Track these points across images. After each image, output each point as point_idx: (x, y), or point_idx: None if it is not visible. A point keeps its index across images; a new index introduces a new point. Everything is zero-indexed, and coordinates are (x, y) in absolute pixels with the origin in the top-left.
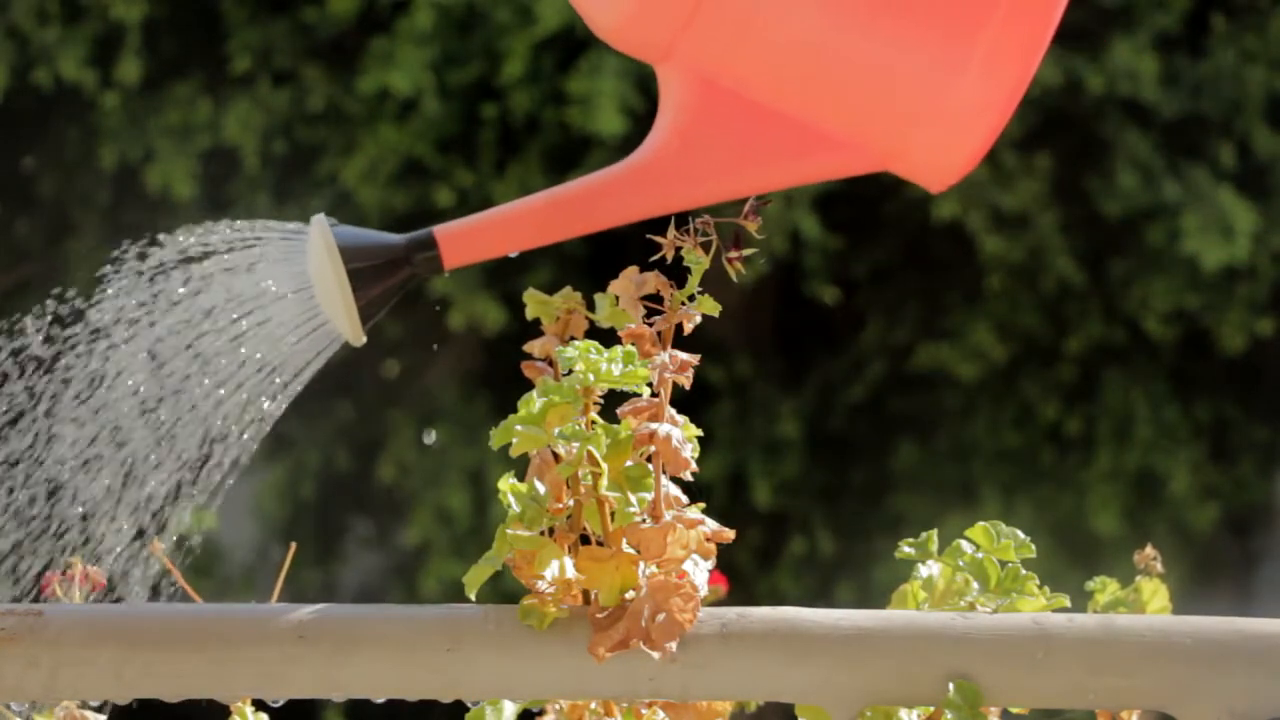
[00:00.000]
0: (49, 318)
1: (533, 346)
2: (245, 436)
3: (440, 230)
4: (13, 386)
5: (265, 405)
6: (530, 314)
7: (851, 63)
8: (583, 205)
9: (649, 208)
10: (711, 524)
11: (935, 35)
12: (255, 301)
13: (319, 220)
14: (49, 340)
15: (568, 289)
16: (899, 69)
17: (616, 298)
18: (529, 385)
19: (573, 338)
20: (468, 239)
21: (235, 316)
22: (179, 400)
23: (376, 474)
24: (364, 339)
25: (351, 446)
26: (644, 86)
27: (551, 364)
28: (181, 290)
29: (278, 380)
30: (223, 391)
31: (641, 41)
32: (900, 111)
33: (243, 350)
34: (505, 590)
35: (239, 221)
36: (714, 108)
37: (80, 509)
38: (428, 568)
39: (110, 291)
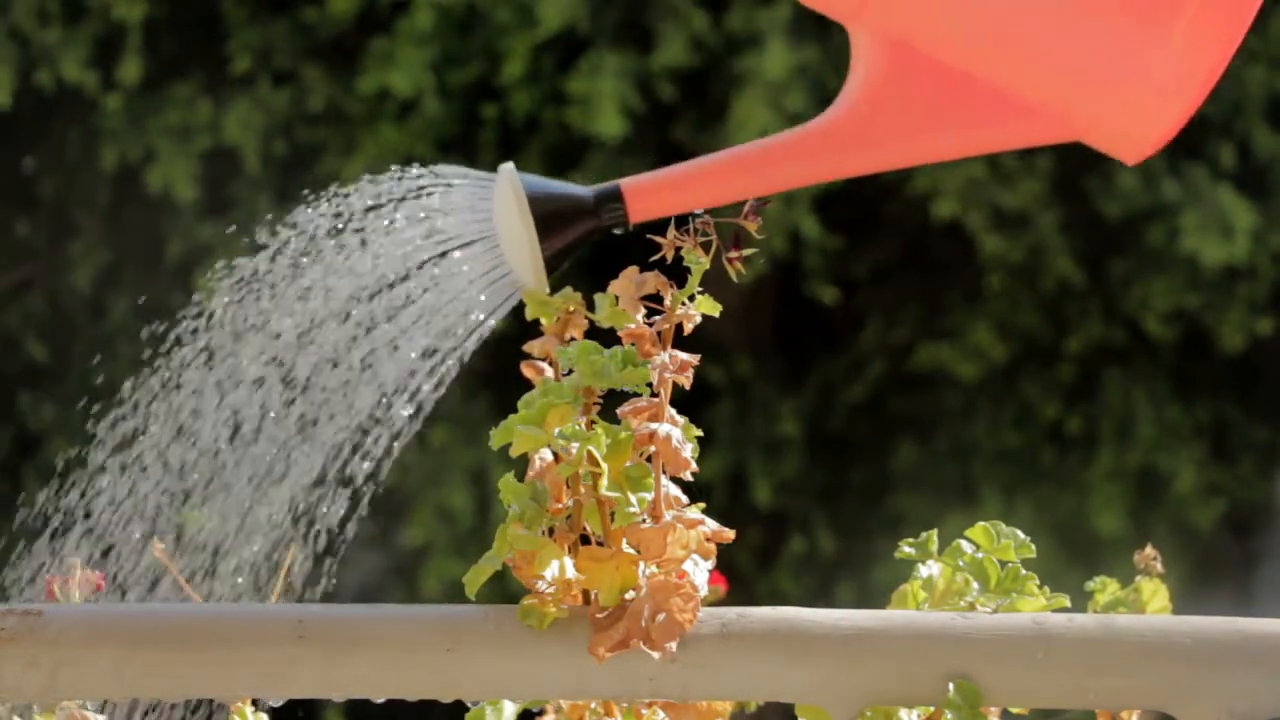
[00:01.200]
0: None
1: (532, 346)
2: (425, 388)
3: (626, 184)
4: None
5: (444, 357)
6: (530, 314)
7: (1049, 27)
8: (769, 165)
9: (835, 169)
10: (711, 524)
11: (1139, 3)
12: (439, 249)
13: (507, 169)
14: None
15: (567, 289)
16: (1100, 35)
17: (616, 298)
18: (530, 385)
19: (572, 338)
20: (653, 193)
21: (419, 263)
22: (361, 349)
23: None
24: (548, 290)
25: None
26: (644, 86)
27: (551, 364)
28: (367, 238)
29: (458, 331)
30: (401, 342)
31: (832, 3)
32: (1099, 80)
33: (426, 298)
34: (507, 590)
35: (430, 167)
36: (904, 70)
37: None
38: (429, 568)
39: (301, 232)
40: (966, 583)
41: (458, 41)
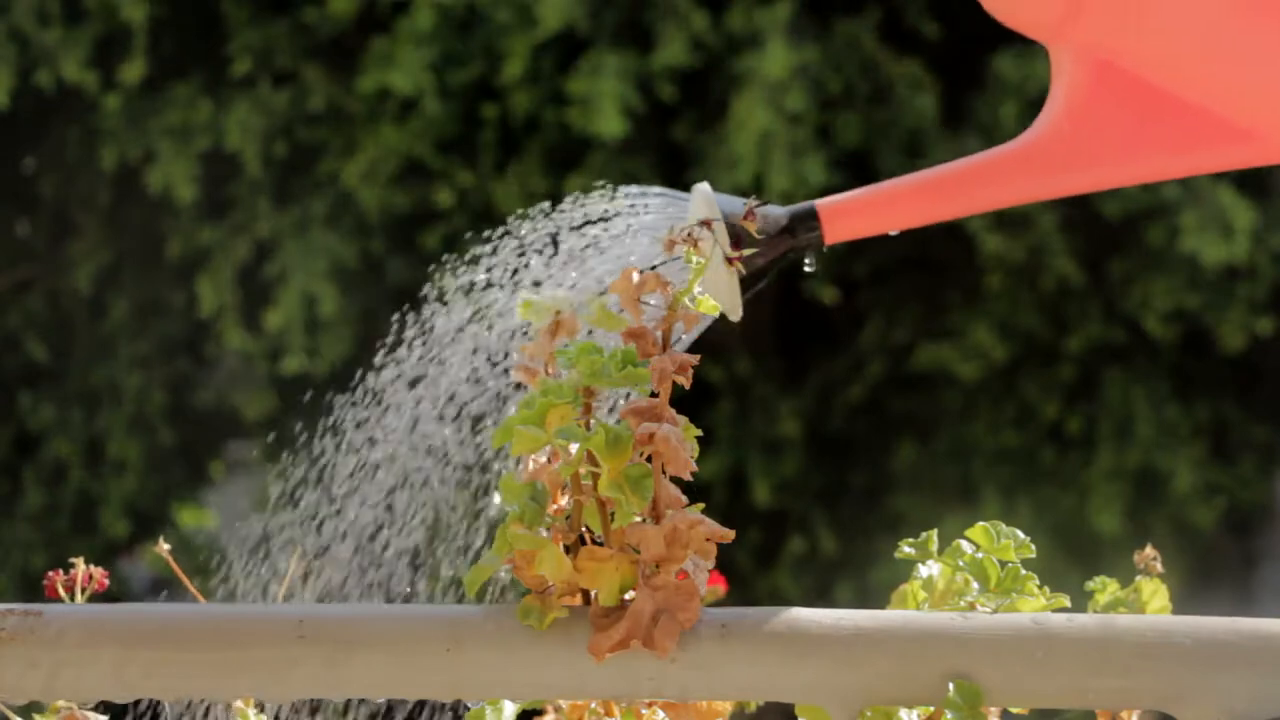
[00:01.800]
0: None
1: (525, 349)
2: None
3: (822, 204)
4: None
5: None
6: (520, 316)
7: (1263, 48)
8: (968, 187)
9: (1036, 191)
10: (711, 524)
11: None
12: (635, 262)
13: (703, 188)
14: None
15: (559, 291)
16: None
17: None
18: None
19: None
20: (849, 214)
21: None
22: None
23: None
24: (741, 312)
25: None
26: (644, 86)
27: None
28: (566, 257)
29: None
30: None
31: (1034, 21)
32: None
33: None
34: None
35: (626, 188)
36: (1109, 89)
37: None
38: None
39: (509, 251)
40: (966, 583)
41: (458, 42)
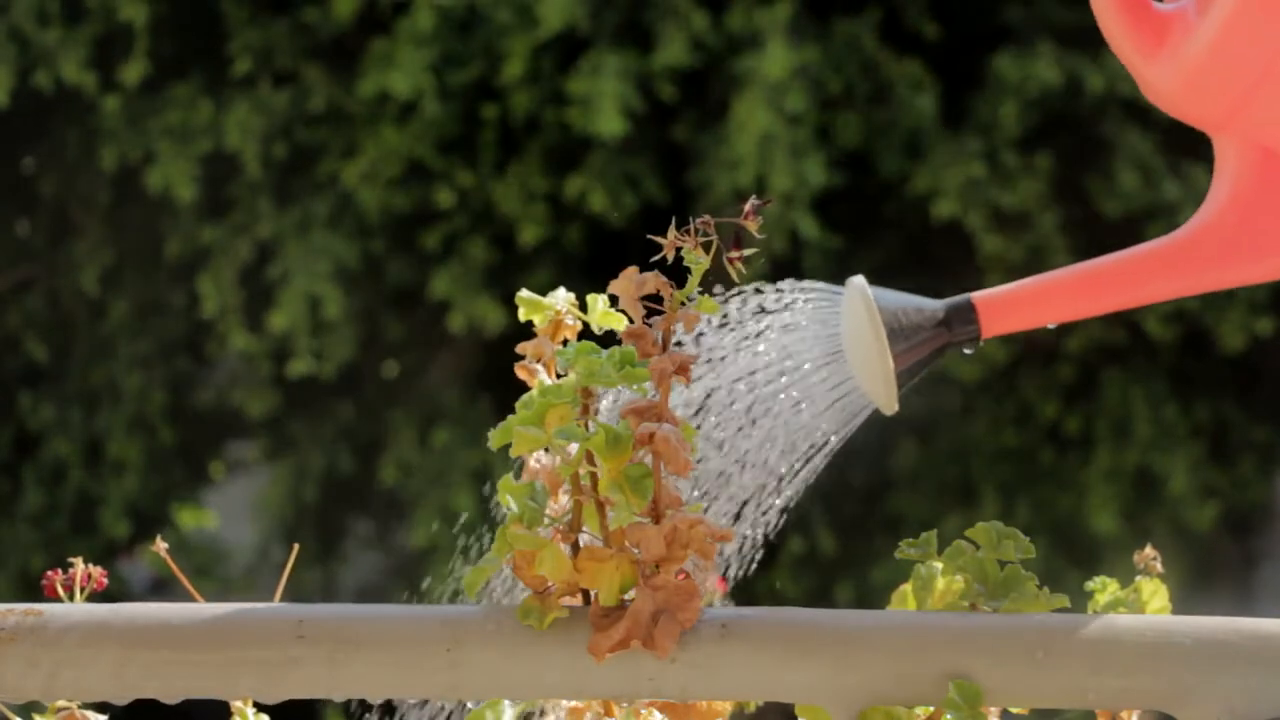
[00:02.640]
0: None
1: (525, 348)
2: (768, 499)
3: (979, 298)
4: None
5: (792, 469)
6: (523, 316)
7: None
8: (1134, 281)
9: (1200, 284)
10: (711, 524)
11: None
12: (788, 362)
13: (858, 283)
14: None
15: (560, 290)
16: None
17: (608, 299)
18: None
19: (565, 340)
20: (1008, 308)
21: (770, 378)
22: (718, 456)
23: (379, 475)
24: (897, 408)
25: (354, 448)
26: (644, 87)
27: (545, 365)
28: (729, 349)
29: (804, 445)
30: (753, 453)
31: (1201, 114)
32: None
33: (775, 410)
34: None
35: (783, 282)
36: (1276, 181)
37: None
38: (433, 569)
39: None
40: (967, 583)
41: (458, 42)
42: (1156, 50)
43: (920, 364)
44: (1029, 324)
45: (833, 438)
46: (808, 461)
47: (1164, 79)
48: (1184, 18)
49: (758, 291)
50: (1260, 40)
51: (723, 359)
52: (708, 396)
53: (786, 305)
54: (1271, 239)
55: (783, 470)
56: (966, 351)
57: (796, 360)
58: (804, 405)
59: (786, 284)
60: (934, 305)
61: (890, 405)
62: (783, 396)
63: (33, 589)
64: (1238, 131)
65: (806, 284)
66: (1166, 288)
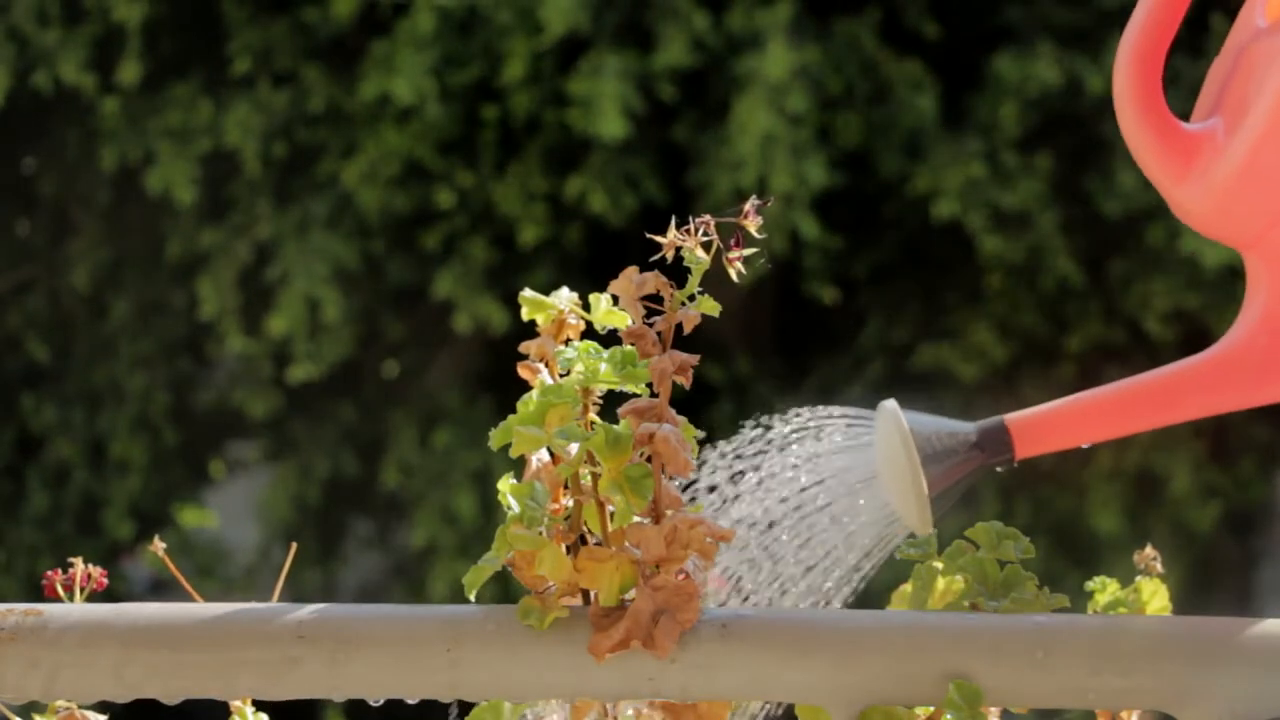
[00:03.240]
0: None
1: (528, 347)
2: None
3: (1012, 420)
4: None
5: (826, 599)
6: (526, 315)
7: None
8: (1165, 398)
9: (1236, 401)
10: (711, 524)
11: None
12: (823, 486)
13: (890, 408)
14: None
15: (564, 290)
16: None
17: (611, 299)
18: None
19: (568, 339)
20: (1041, 430)
21: (804, 502)
22: (754, 579)
23: (380, 476)
24: (932, 530)
25: (355, 449)
26: (645, 87)
27: (547, 364)
28: (761, 476)
29: (839, 569)
30: (788, 574)
31: (1229, 235)
32: None
33: (809, 534)
34: (508, 591)
35: (813, 409)
36: None
37: None
38: (435, 569)
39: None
40: (967, 583)
41: (458, 43)
42: (1186, 172)
43: (955, 487)
44: (1063, 445)
45: (867, 561)
46: (847, 583)
47: (1194, 200)
48: (1213, 138)
49: (794, 416)
50: None
51: (759, 484)
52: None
53: (818, 431)
54: None
55: (828, 585)
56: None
57: (831, 485)
58: (845, 520)
59: (820, 410)
60: (966, 429)
61: (925, 527)
62: (818, 521)
63: (38, 592)
64: (1269, 251)
65: (836, 409)
66: (1200, 407)
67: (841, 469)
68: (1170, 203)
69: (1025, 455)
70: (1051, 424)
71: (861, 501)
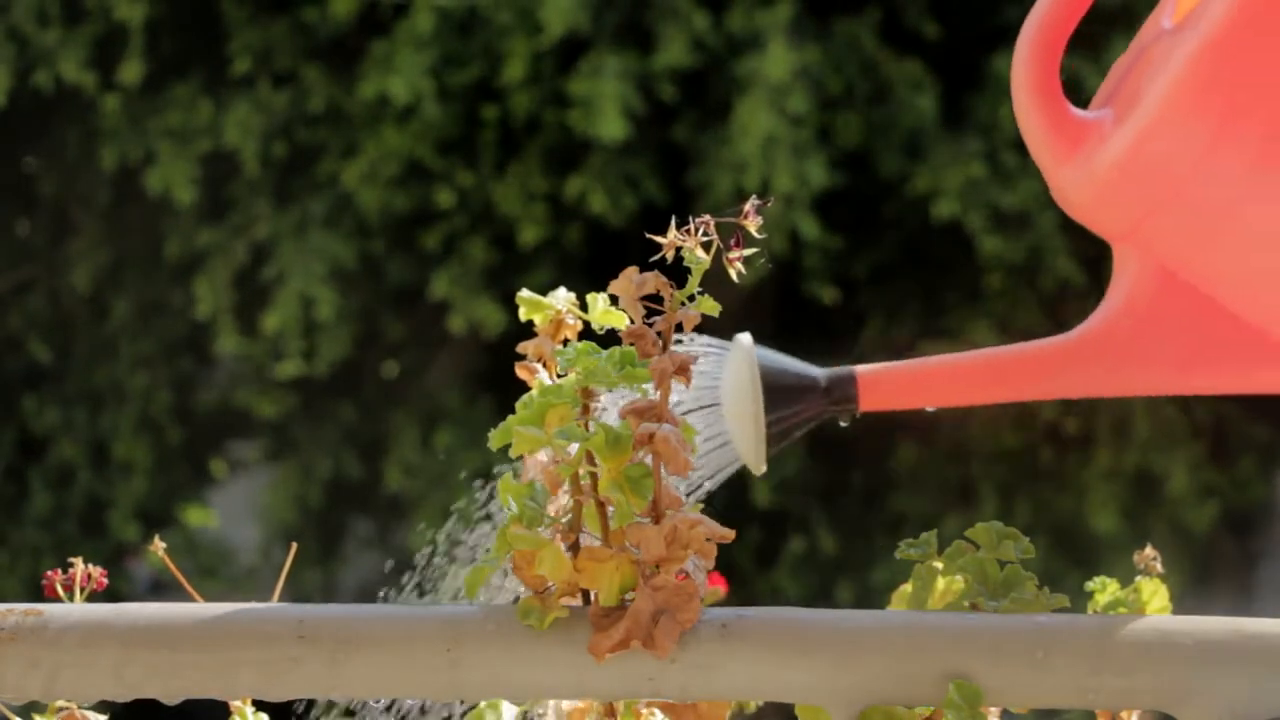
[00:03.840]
0: None
1: (526, 348)
2: None
3: (862, 372)
4: None
5: None
6: (523, 315)
7: None
8: (1019, 375)
9: (1086, 387)
10: (711, 524)
11: None
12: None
13: (745, 341)
14: None
15: (561, 290)
16: None
17: (609, 299)
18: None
19: (566, 340)
20: (888, 385)
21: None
22: None
23: (382, 477)
24: (764, 469)
25: (356, 449)
26: (645, 88)
27: (545, 365)
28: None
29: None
30: None
31: (1106, 226)
32: None
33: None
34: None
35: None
36: (1171, 298)
37: None
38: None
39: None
40: (967, 583)
41: (458, 43)
42: (1071, 156)
43: (795, 428)
44: (909, 404)
45: (698, 491)
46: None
47: (1075, 185)
48: (1101, 127)
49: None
50: (1171, 162)
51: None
52: None
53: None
54: (1158, 354)
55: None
56: (842, 424)
57: (678, 409)
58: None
59: (686, 337)
60: (816, 373)
61: (758, 466)
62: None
63: (42, 594)
64: (1139, 246)
65: (703, 339)
66: (1049, 388)
67: (690, 397)
68: (1051, 186)
69: (870, 409)
70: (900, 381)
71: (701, 428)
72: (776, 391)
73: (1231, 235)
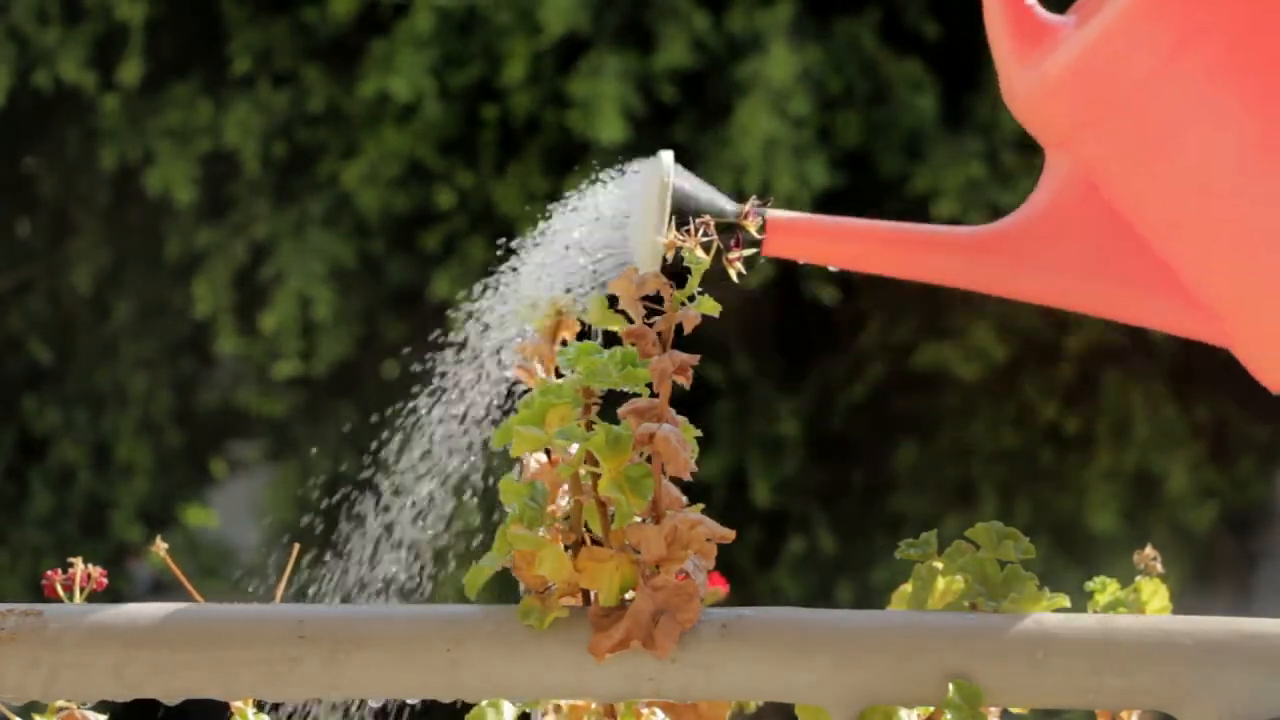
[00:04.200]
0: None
1: (525, 348)
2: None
3: (774, 215)
4: None
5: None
6: (520, 317)
7: (1245, 233)
8: (925, 250)
9: (990, 281)
10: (711, 524)
11: None
12: (577, 218)
13: (666, 158)
14: None
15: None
16: None
17: (606, 300)
18: None
19: (564, 340)
20: (794, 232)
21: (559, 231)
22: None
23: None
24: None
25: (356, 449)
26: (645, 88)
27: (543, 365)
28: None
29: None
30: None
31: (1040, 127)
32: (1273, 310)
33: (550, 265)
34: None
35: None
36: (1089, 211)
37: None
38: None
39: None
40: (967, 583)
41: (458, 43)
42: (1028, 54)
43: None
44: (812, 256)
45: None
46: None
47: (1025, 84)
48: (1062, 30)
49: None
50: (1122, 70)
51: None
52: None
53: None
54: (1063, 262)
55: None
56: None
57: (583, 218)
58: (586, 250)
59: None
60: (728, 206)
61: (647, 265)
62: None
63: (43, 594)
64: (1073, 155)
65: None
66: (951, 273)
67: (598, 204)
68: (1002, 84)
69: (773, 253)
70: (806, 231)
71: (597, 236)
72: (685, 213)
73: (1166, 163)
